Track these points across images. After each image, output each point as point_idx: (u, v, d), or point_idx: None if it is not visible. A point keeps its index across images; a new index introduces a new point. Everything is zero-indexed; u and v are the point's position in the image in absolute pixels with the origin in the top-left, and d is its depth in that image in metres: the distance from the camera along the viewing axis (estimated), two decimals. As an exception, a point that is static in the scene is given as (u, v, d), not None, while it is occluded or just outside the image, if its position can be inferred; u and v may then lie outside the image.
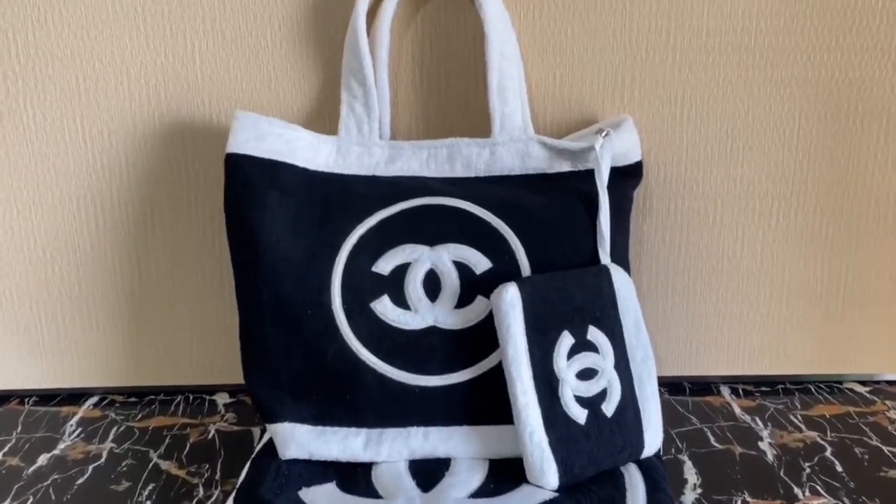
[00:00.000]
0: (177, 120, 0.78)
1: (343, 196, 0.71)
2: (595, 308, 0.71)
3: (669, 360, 0.85)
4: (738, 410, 0.79)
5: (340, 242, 0.70)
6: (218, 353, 0.85)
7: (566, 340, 0.67)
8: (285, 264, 0.69)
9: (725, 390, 0.83)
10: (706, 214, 0.82)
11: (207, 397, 0.86)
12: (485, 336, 0.67)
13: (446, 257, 0.69)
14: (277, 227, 0.69)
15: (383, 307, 0.70)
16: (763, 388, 0.83)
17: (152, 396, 0.86)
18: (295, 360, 0.68)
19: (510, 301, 0.69)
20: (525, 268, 0.73)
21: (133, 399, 0.85)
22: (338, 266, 0.71)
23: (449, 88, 0.77)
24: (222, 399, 0.86)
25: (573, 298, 0.71)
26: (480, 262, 0.70)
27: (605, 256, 0.76)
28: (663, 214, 0.83)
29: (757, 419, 0.78)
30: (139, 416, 0.81)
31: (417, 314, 0.69)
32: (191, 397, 0.86)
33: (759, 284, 0.83)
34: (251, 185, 0.68)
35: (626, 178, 0.80)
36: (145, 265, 0.83)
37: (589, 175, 0.70)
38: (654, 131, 0.79)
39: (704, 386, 0.84)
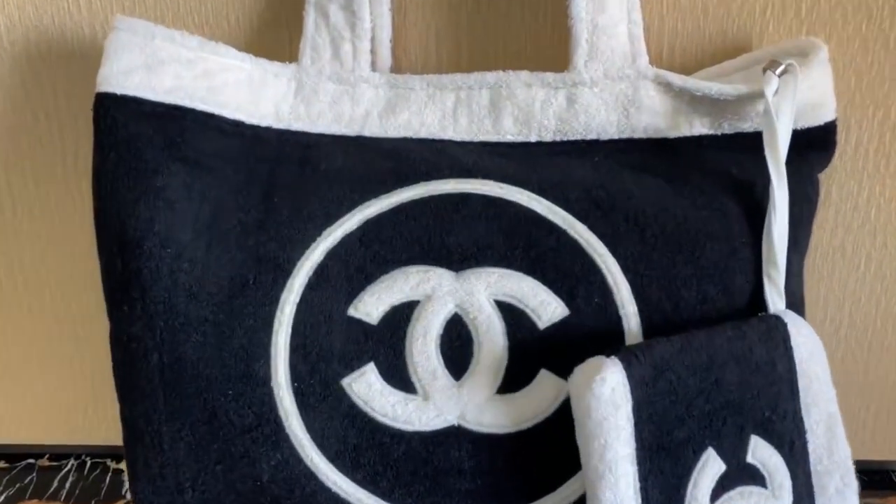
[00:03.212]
0: (43, 38, 0.50)
1: (302, 174, 0.43)
2: (762, 402, 0.38)
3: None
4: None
5: (293, 261, 0.42)
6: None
7: (711, 467, 0.38)
8: (191, 300, 0.41)
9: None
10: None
11: (113, 465, 0.59)
12: (554, 450, 0.40)
13: (483, 294, 0.41)
14: (179, 230, 0.42)
15: (366, 387, 0.41)
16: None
17: (30, 461, 0.60)
18: (208, 477, 0.41)
19: (608, 396, 0.35)
20: (630, 319, 0.40)
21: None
22: (285, 306, 0.41)
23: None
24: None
25: (724, 385, 0.37)
26: (547, 307, 0.41)
27: (777, 297, 0.40)
28: (848, 216, 0.47)
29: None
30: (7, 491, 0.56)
31: (429, 402, 0.40)
32: (88, 462, 0.60)
33: None
34: (135, 151, 0.41)
35: (812, 151, 0.44)
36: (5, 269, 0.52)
37: (747, 144, 0.43)
38: (849, 70, 0.46)
39: (883, 477, 0.57)
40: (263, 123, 0.44)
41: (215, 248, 0.42)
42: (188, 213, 0.42)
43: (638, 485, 0.36)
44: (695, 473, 0.37)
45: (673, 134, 0.44)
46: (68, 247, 0.55)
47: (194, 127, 0.42)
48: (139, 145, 0.41)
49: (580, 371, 0.38)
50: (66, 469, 0.60)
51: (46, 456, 0.62)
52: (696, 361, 0.38)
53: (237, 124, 0.43)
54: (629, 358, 0.37)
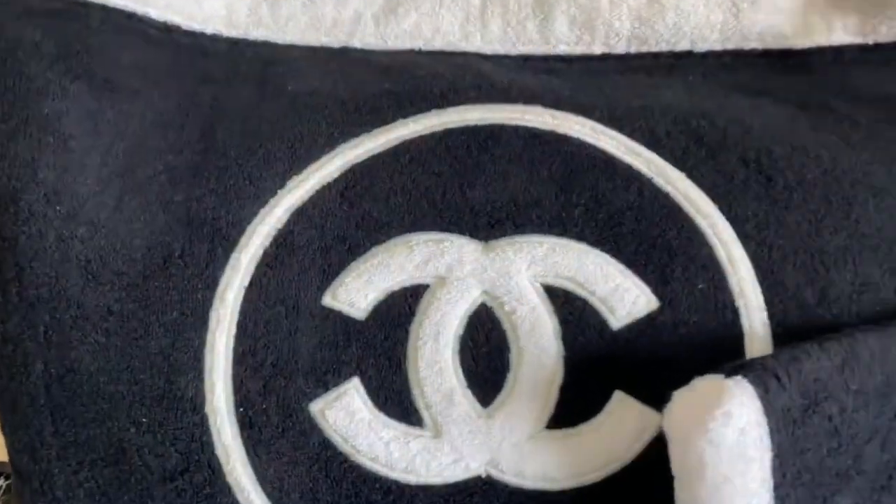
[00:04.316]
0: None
1: (260, 100, 0.31)
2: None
3: None
4: None
5: (241, 225, 0.29)
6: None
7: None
8: (89, 282, 0.28)
9: None
10: None
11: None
12: None
13: (525, 275, 0.27)
14: (76, 180, 0.29)
15: (347, 416, 0.27)
16: None
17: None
18: None
19: (735, 442, 0.22)
20: (753, 314, 0.27)
21: None
22: (226, 292, 0.28)
23: None
24: None
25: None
26: (624, 295, 0.27)
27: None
28: None
29: None
30: None
31: (442, 440, 0.27)
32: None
33: None
34: (13, 64, 0.30)
35: None
36: None
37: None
38: None
39: None
40: (209, 30, 0.31)
41: (128, 205, 0.28)
42: (91, 156, 0.29)
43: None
44: (864, 562, 0.23)
45: (802, 43, 0.30)
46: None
47: (104, 30, 0.30)
48: (19, 55, 0.29)
49: (684, 399, 0.23)
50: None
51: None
52: (867, 384, 0.24)
53: (169, 29, 0.31)
54: (766, 379, 0.23)
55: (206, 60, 0.32)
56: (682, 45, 0.31)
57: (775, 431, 0.23)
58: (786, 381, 0.23)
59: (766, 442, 0.22)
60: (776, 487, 0.23)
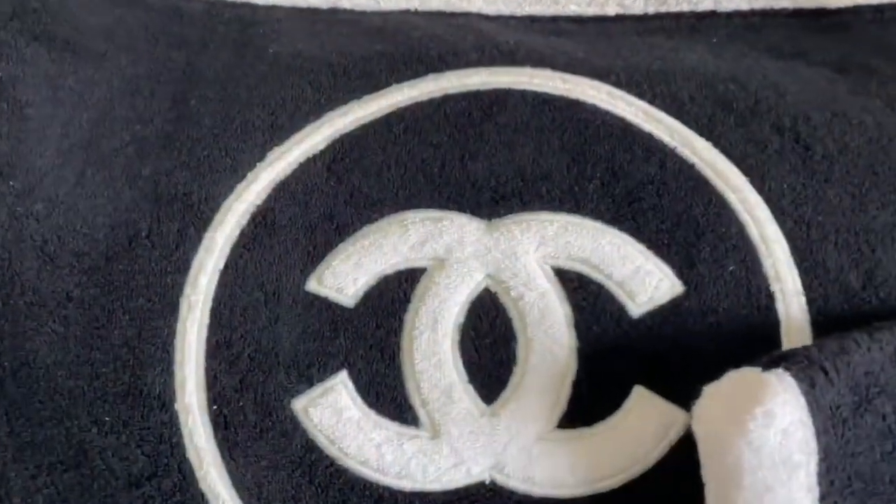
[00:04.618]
0: None
1: (239, 64, 0.28)
2: None
3: None
4: None
5: (216, 202, 0.26)
6: None
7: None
8: (46, 265, 0.25)
9: None
10: None
11: None
12: None
13: (533, 257, 0.25)
14: (33, 152, 0.26)
15: (333, 414, 0.24)
16: None
17: None
18: None
19: (776, 446, 0.19)
20: (790, 300, 0.24)
21: None
22: (199, 276, 0.25)
23: None
24: None
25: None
26: (645, 279, 0.24)
27: None
28: None
29: None
30: None
31: (440, 441, 0.24)
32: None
33: None
34: None
35: None
36: None
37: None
38: None
39: None
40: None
41: (91, 180, 0.26)
42: (50, 126, 0.26)
43: None
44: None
45: (836, 1, 0.27)
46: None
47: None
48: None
49: (716, 395, 0.21)
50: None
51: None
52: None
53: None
54: (811, 373, 0.20)
55: (179, 22, 0.29)
56: (705, 5, 0.29)
57: (822, 433, 0.20)
58: (833, 376, 0.20)
59: (812, 445, 0.20)
60: (822, 497, 0.20)
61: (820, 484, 0.20)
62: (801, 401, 0.20)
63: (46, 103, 0.27)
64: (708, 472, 0.21)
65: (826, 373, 0.20)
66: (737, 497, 0.19)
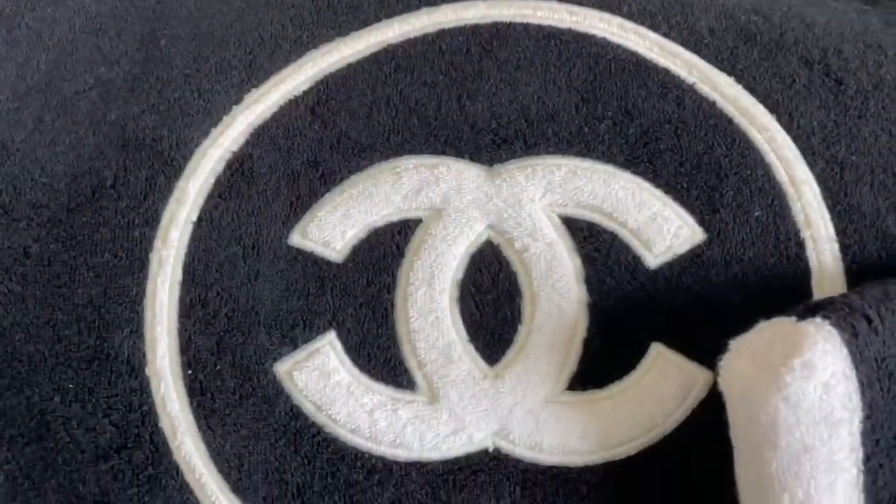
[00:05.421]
0: None
1: (213, 1, 0.25)
2: None
3: None
4: None
5: (188, 148, 0.23)
6: None
7: None
8: (2, 218, 0.23)
9: None
10: None
11: None
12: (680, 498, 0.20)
13: (539, 205, 0.23)
14: None
15: (320, 378, 0.22)
16: None
17: None
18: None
19: (817, 400, 0.16)
20: (822, 246, 0.22)
21: None
22: (170, 229, 0.23)
23: None
24: None
25: None
26: (663, 227, 0.22)
27: None
28: None
29: None
30: None
31: (439, 406, 0.22)
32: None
33: None
34: None
35: None
36: None
37: None
38: None
39: None
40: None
41: (50, 125, 0.23)
42: (5, 67, 0.24)
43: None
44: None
45: None
46: None
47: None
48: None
49: (746, 348, 0.19)
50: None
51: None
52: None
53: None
54: (854, 321, 0.18)
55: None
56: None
57: (867, 387, 0.18)
58: (878, 324, 0.18)
59: (856, 400, 0.18)
60: (867, 459, 0.18)
61: (864, 444, 0.18)
62: (844, 351, 0.18)
63: (0, 43, 0.24)
64: (738, 434, 0.19)
65: (870, 321, 0.18)
66: (771, 459, 0.17)
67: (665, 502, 0.21)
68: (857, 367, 0.18)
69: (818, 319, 0.18)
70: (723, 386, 0.19)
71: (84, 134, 0.23)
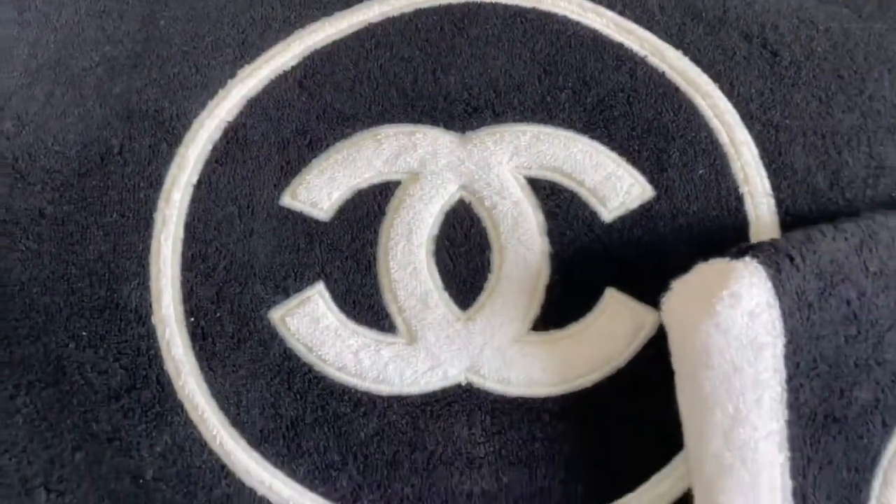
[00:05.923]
0: None
1: None
2: None
3: None
4: None
5: (188, 117, 0.26)
6: None
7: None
8: (17, 183, 0.25)
9: None
10: None
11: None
12: (632, 424, 0.23)
13: (507, 167, 0.25)
14: (1, 72, 0.27)
15: (311, 323, 0.24)
16: None
17: None
18: (67, 472, 0.25)
19: (744, 327, 0.19)
20: (759, 201, 0.25)
21: None
22: (172, 190, 0.26)
23: None
24: None
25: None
26: (616, 184, 0.25)
27: None
28: None
29: None
30: None
31: (417, 346, 0.24)
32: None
33: None
34: None
35: None
36: None
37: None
38: None
39: None
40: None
41: (60, 99, 0.25)
42: (17, 46, 0.26)
43: (790, 485, 0.20)
44: (884, 461, 0.21)
45: None
46: None
47: None
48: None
49: (685, 286, 0.21)
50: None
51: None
52: (888, 266, 0.21)
53: None
54: (778, 259, 0.20)
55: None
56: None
57: (788, 315, 0.20)
58: (799, 262, 0.21)
59: (779, 327, 0.20)
60: (789, 379, 0.20)
61: (787, 366, 0.20)
62: (768, 284, 0.20)
63: (12, 24, 0.26)
64: (677, 359, 0.21)
65: (792, 259, 0.21)
66: (705, 378, 0.20)
67: (618, 428, 0.23)
68: (780, 298, 0.20)
69: (747, 258, 0.21)
70: (665, 319, 0.22)
71: (92, 106, 0.26)
